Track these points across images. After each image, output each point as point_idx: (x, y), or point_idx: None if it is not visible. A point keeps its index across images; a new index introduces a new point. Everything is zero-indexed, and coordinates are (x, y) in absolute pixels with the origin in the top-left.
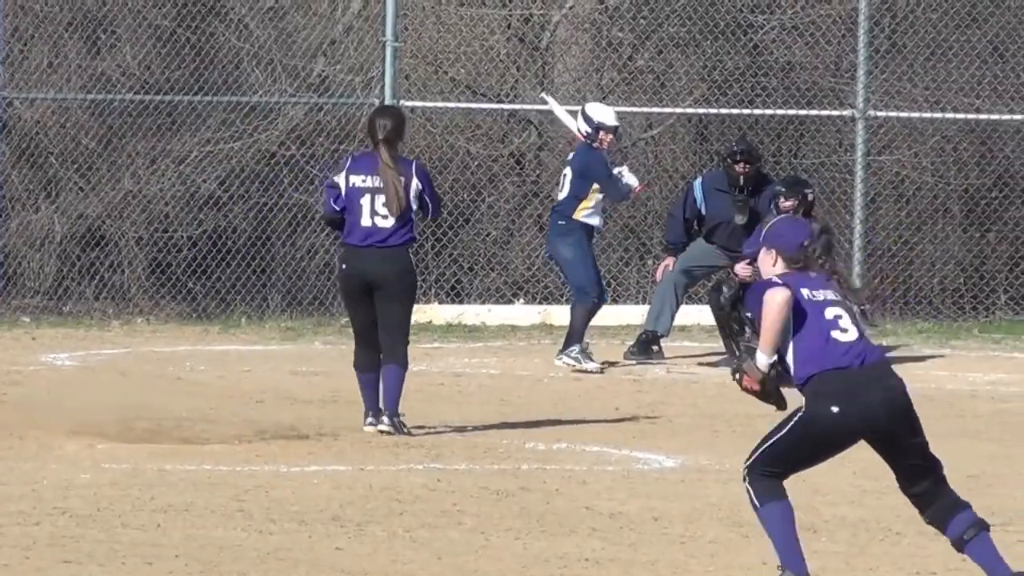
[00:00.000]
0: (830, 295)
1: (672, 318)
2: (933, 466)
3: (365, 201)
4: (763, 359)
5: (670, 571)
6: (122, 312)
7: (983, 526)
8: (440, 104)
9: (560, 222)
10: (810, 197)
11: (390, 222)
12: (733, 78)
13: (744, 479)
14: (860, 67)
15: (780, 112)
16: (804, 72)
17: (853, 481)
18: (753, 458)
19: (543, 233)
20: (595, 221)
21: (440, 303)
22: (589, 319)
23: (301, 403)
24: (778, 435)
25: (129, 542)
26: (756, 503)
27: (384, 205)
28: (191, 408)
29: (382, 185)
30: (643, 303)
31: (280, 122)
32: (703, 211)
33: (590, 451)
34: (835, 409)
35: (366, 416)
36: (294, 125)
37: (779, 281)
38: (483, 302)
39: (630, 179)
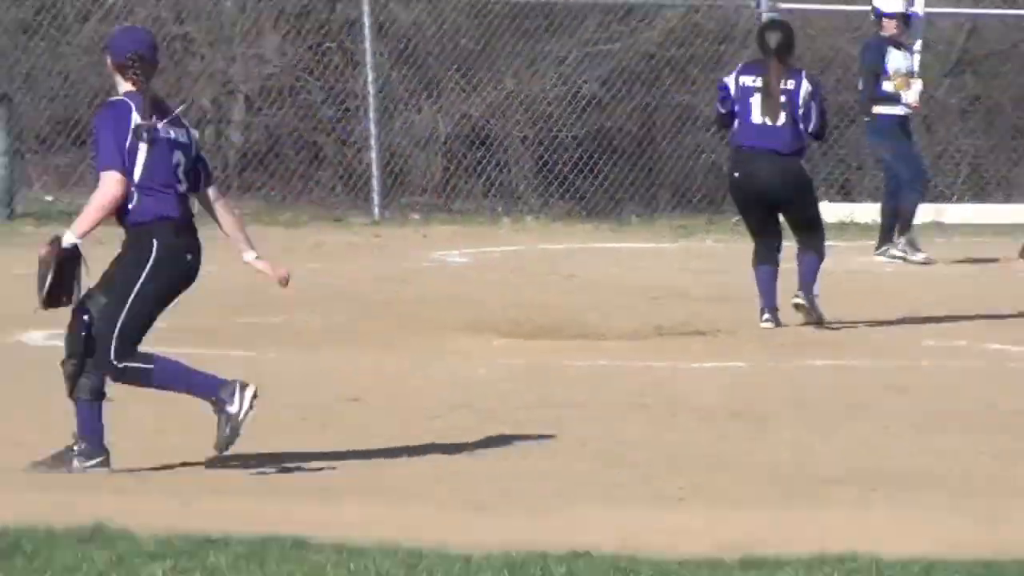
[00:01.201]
0: None
1: None
2: None
3: (755, 100)
4: None
5: None
6: (511, 210)
7: None
8: (816, 6)
9: (866, 119)
10: None
11: (781, 120)
12: None
13: None
14: None
15: None
16: None
17: None
18: None
19: None
20: (897, 111)
21: (831, 202)
22: (912, 211)
23: (695, 300)
24: None
25: (529, 436)
26: None
27: (771, 108)
28: (586, 305)
29: (770, 87)
30: None
31: (657, 23)
32: None
33: (991, 349)
34: None
35: (762, 313)
36: (671, 27)
37: None
38: (874, 201)
39: (910, 95)
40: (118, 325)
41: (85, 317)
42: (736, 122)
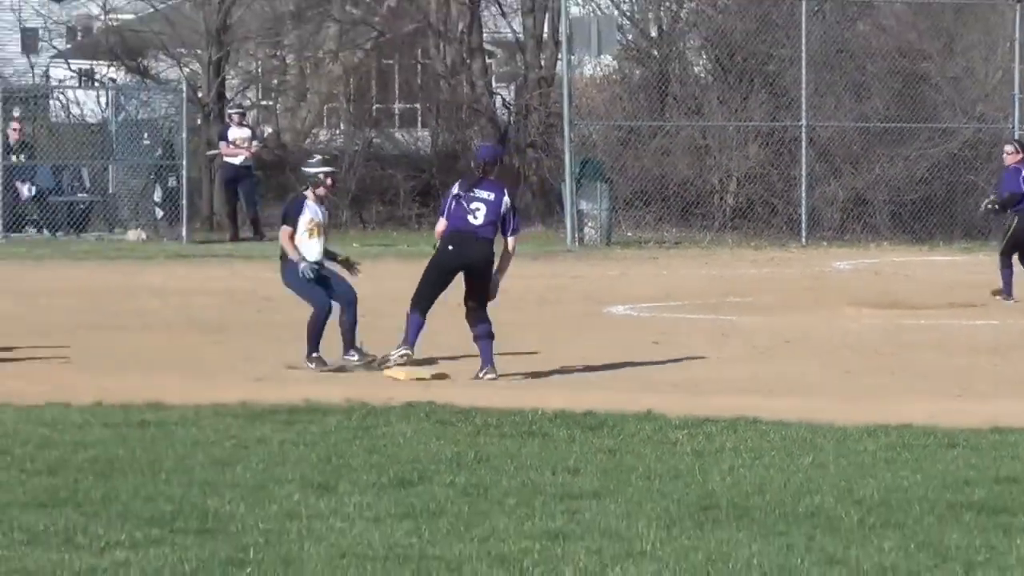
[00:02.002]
0: None
1: None
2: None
3: None
4: None
5: None
6: (874, 239)
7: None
8: None
9: None
10: None
11: None
12: None
13: None
14: None
15: None
16: None
17: None
18: None
19: None
20: None
21: None
22: None
23: (970, 288)
24: None
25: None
26: None
27: None
28: (908, 291)
29: None
30: None
31: None
32: None
33: None
34: None
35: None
36: None
37: None
38: None
39: None
40: None
41: None
42: None
